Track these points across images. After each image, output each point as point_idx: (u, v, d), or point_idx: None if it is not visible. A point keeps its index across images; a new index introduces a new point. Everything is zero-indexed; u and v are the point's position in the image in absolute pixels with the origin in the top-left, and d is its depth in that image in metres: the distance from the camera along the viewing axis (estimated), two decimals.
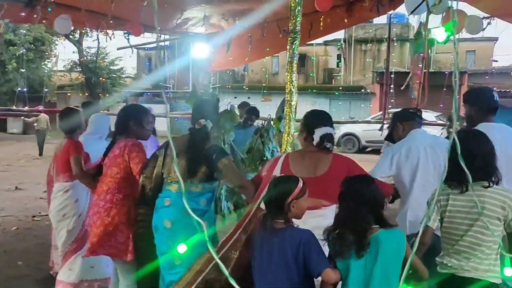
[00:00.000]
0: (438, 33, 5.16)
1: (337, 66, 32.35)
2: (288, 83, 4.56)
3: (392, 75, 10.05)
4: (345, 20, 6.70)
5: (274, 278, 2.47)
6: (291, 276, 2.45)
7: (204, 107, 3.70)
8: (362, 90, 26.75)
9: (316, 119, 3.24)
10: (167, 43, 12.40)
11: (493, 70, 28.10)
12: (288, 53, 4.58)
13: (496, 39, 30.76)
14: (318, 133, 3.13)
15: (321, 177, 3.05)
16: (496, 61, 33.40)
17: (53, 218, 4.31)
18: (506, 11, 6.86)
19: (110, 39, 6.74)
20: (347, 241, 2.36)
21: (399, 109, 4.31)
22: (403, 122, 3.87)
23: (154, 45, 10.46)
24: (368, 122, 17.39)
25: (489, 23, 7.13)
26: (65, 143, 4.30)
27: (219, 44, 7.32)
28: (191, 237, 3.02)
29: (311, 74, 30.31)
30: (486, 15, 7.36)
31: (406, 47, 25.81)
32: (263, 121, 5.07)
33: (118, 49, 11.35)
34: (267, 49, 8.00)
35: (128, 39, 7.22)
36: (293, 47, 4.52)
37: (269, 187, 2.67)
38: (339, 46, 22.32)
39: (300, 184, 2.58)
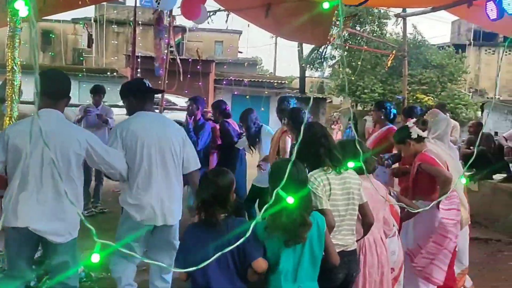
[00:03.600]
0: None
1: (88, 46, 30.86)
2: (10, 60, 4.06)
3: (139, 59, 9.95)
4: None
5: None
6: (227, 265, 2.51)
7: None
8: (115, 74, 26.07)
9: None
10: None
11: (238, 60, 30.67)
12: (9, 26, 4.07)
13: (240, 32, 33.57)
14: None
15: None
16: (241, 52, 36.68)
17: None
18: (238, 6, 7.44)
19: None
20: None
21: None
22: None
23: None
24: (118, 106, 16.92)
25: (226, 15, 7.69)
26: None
27: None
28: None
29: (51, 53, 28.11)
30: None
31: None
32: None
33: None
34: None
35: None
36: (15, 19, 4.03)
37: (202, 183, 2.68)
38: (81, 24, 21.09)
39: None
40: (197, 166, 3.70)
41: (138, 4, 16.06)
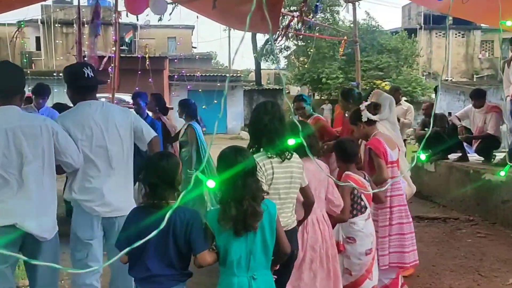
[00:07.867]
0: None
1: (37, 49, 29.81)
2: None
3: (85, 58, 9.59)
4: None
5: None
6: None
7: None
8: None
9: None
10: None
11: (192, 55, 30.35)
12: None
13: (193, 27, 33.16)
14: None
15: None
16: (195, 47, 36.31)
17: None
18: None
19: None
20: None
21: None
22: None
23: None
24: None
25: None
26: None
27: None
28: None
29: None
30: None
31: (110, 31, 25.48)
32: None
33: None
34: None
35: None
36: None
37: (147, 167, 2.58)
38: (22, 25, 20.11)
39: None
40: (154, 134, 3.54)
41: (84, 3, 15.59)
